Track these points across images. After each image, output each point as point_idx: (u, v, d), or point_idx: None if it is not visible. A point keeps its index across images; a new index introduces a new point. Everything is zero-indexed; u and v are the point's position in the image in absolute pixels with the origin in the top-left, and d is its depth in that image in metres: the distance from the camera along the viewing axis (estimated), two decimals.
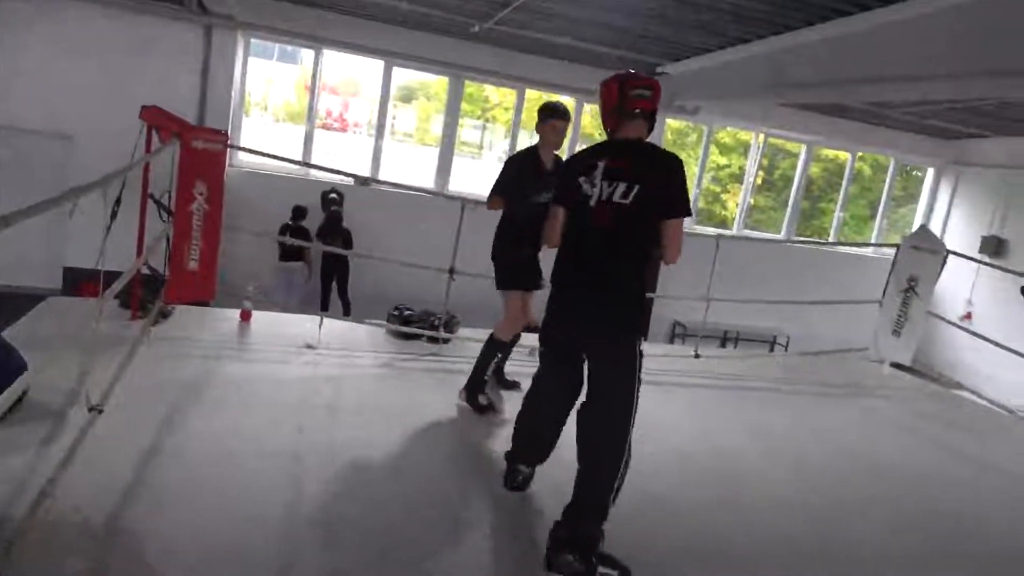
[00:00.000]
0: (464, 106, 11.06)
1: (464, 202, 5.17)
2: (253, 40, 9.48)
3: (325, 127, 12.68)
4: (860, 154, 11.95)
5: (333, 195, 9.40)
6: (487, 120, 12.60)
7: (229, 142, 8.65)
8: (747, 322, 10.89)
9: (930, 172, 12.13)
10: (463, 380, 4.33)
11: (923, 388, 6.63)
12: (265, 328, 5.26)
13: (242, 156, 9.14)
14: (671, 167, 2.81)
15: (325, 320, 5.32)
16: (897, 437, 5.16)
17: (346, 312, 8.91)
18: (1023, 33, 5.14)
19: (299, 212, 9.16)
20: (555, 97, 11.18)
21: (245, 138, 9.71)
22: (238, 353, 4.80)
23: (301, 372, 4.58)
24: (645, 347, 2.91)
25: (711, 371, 5.86)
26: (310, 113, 9.65)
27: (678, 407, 5.02)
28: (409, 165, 11.13)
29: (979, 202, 11.37)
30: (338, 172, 7.25)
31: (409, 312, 5.65)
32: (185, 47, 8.74)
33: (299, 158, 9.52)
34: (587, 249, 2.89)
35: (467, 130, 12.84)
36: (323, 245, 8.36)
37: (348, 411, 4.09)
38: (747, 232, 11.65)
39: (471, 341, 5.62)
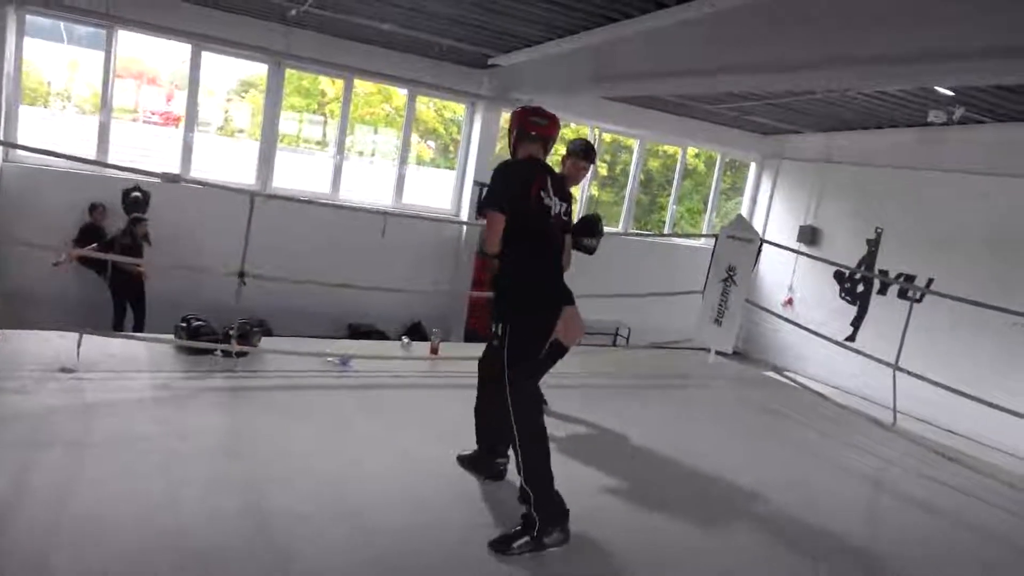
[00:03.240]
0: (301, 100, 10.34)
1: (253, 196, 4.63)
2: (33, 18, 8.27)
3: (145, 121, 11.46)
4: (696, 150, 12.39)
5: (136, 194, 8.44)
6: (325, 114, 11.95)
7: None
8: (593, 316, 10.88)
9: (752, 166, 12.79)
10: (256, 397, 3.82)
11: (742, 373, 6.83)
12: (12, 349, 4.44)
13: (22, 151, 7.99)
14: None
15: (94, 337, 4.58)
16: (713, 419, 5.36)
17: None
18: (818, 29, 5.33)
19: (93, 209, 8.26)
20: (391, 87, 10.67)
21: (28, 130, 8.49)
22: None
23: (48, 402, 3.85)
24: None
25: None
26: (104, 102, 8.58)
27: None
28: (241, 161, 10.24)
29: (796, 194, 12.10)
30: (127, 170, 6.41)
31: (199, 323, 4.99)
32: None
33: (93, 152, 8.45)
34: None
35: (307, 125, 12.13)
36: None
37: (97, 446, 3.45)
38: None
39: (272, 353, 5.09)
